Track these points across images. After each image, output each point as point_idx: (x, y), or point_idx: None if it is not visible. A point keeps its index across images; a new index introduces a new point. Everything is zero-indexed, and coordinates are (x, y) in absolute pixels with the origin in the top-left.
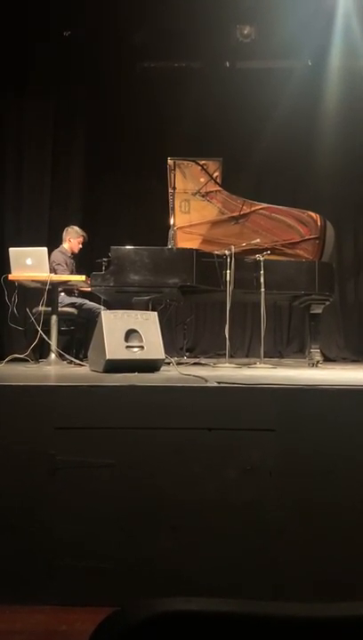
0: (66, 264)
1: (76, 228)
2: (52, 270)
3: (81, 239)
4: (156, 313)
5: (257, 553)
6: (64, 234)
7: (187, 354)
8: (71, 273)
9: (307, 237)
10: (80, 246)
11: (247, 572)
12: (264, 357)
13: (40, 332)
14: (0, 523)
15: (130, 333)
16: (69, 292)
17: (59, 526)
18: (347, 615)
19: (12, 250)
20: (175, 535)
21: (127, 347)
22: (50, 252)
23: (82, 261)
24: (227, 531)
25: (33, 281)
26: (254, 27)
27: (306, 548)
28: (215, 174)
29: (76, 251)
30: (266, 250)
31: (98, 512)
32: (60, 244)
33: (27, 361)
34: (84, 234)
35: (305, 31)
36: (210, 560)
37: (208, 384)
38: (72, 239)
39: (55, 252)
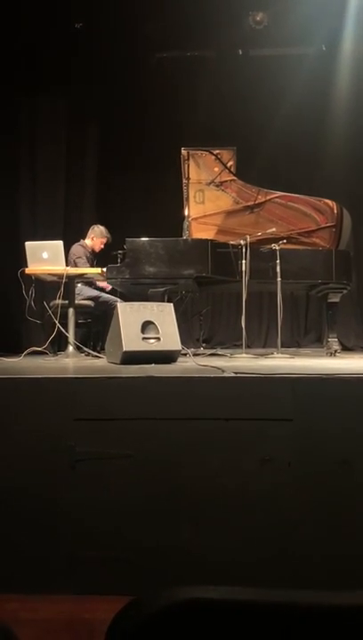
0: (86, 257)
1: (103, 228)
2: (73, 263)
3: (105, 240)
4: (171, 304)
5: (276, 543)
6: (89, 231)
7: (203, 345)
8: (91, 267)
9: (323, 225)
10: (102, 247)
11: (267, 562)
12: (282, 347)
13: (58, 324)
14: (21, 513)
15: (146, 325)
16: (88, 284)
17: (79, 517)
18: None
19: (28, 244)
20: (194, 525)
21: (144, 338)
22: (66, 246)
23: (97, 254)
24: (245, 521)
25: (49, 274)
26: (266, 13)
27: (325, 537)
28: (229, 163)
29: (98, 250)
30: (282, 239)
31: (117, 503)
32: (77, 237)
33: (45, 354)
34: (109, 235)
35: (319, 16)
36: (228, 550)
37: (225, 374)
38: (96, 238)
39: (76, 246)
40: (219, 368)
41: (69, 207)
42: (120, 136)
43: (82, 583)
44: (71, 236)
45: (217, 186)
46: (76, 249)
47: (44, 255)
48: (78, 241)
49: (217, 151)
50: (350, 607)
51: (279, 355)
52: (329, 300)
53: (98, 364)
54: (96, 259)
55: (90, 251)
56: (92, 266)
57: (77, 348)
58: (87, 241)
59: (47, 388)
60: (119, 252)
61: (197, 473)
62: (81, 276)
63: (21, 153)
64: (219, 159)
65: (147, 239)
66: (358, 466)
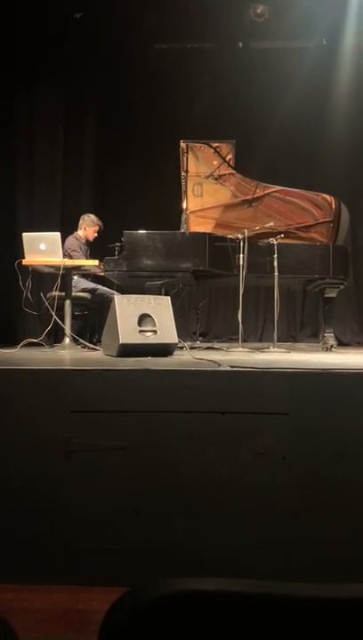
0: (80, 249)
1: (93, 216)
2: (68, 256)
3: (97, 228)
4: (168, 297)
5: (270, 535)
6: (80, 221)
7: (200, 338)
8: (86, 257)
9: (321, 220)
10: (95, 235)
11: (261, 554)
12: (278, 342)
13: (54, 316)
14: (17, 504)
15: (143, 318)
16: (85, 277)
17: (75, 508)
18: (359, 596)
19: (25, 235)
20: (189, 517)
21: (140, 331)
22: (63, 238)
23: (95, 246)
24: (240, 513)
25: (47, 266)
26: (267, 6)
27: (319, 531)
28: (228, 157)
29: (91, 239)
30: (280, 233)
31: (113, 494)
32: (74, 229)
33: (41, 345)
34: (100, 223)
35: (320, 9)
36: (223, 542)
37: (221, 368)
38: (88, 227)
39: (70, 239)
40: (215, 362)
41: (67, 199)
42: (118, 128)
43: (77, 574)
44: (68, 228)
45: (216, 179)
46: (70, 241)
47: (42, 246)
48: (73, 233)
49: (216, 144)
50: (345, 599)
51: (275, 349)
52: (326, 296)
53: (94, 357)
54: (90, 248)
55: (84, 242)
56: (86, 257)
57: (74, 340)
58: (80, 232)
59: (43, 380)
60: (117, 244)
61: (193, 465)
62: (78, 267)
63: (19, 144)
64: (218, 152)
65: (144, 232)
66: (353, 459)
